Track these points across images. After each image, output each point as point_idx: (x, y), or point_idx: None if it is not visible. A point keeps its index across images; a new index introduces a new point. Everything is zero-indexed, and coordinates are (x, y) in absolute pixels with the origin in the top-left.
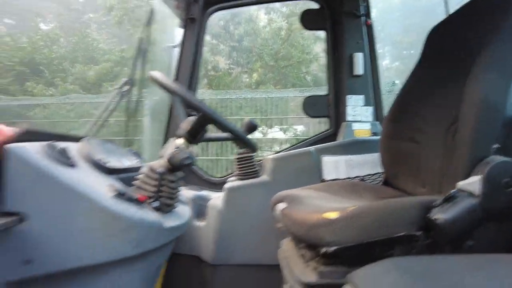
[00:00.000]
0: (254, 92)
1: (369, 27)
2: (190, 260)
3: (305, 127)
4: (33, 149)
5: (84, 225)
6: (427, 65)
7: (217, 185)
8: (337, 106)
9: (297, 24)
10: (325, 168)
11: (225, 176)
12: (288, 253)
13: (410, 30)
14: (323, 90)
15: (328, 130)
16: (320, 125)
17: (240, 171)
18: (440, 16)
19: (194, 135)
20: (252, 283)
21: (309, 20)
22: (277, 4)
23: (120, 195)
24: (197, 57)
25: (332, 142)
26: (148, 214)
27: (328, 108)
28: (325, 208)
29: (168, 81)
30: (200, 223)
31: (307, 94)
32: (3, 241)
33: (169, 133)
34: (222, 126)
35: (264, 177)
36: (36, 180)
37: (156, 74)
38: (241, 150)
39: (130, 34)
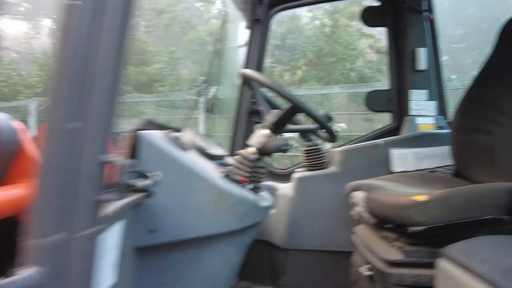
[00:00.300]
0: (300, 89)
1: (432, 22)
2: (262, 244)
3: (346, 125)
4: (157, 136)
5: (199, 200)
6: (504, 57)
7: (280, 177)
8: (400, 100)
9: (342, 21)
10: (394, 161)
11: (287, 169)
12: (366, 237)
13: (461, 23)
14: (368, 87)
15: (390, 124)
16: (362, 123)
17: (308, 162)
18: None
19: (280, 126)
20: (322, 267)
21: (370, 17)
22: None
23: (227, 176)
24: (262, 56)
25: (398, 136)
26: (249, 194)
27: (391, 102)
28: (412, 192)
29: (261, 76)
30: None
31: (353, 91)
32: (134, 213)
33: (238, 127)
34: (311, 116)
35: (333, 169)
36: (161, 160)
37: (248, 71)
38: (309, 143)
39: (179, 36)
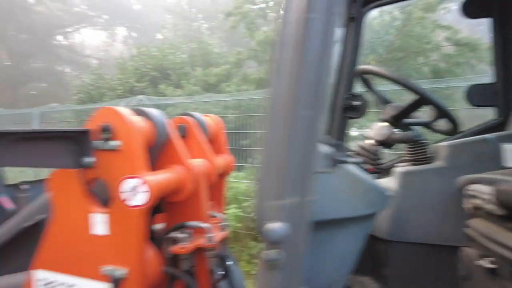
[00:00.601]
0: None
1: None
2: None
3: None
4: None
5: (338, 185)
6: None
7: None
8: (507, 95)
9: (417, 13)
10: (506, 156)
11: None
12: (489, 229)
13: None
14: (443, 82)
15: (494, 119)
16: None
17: (413, 157)
18: None
19: (401, 119)
20: (425, 260)
21: (472, 8)
22: None
23: (357, 164)
24: (357, 54)
25: (510, 131)
26: (379, 182)
27: (496, 96)
28: None
29: (386, 71)
30: None
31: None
32: None
33: (333, 122)
34: (440, 108)
35: (439, 163)
36: None
37: (370, 67)
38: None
39: (245, 37)
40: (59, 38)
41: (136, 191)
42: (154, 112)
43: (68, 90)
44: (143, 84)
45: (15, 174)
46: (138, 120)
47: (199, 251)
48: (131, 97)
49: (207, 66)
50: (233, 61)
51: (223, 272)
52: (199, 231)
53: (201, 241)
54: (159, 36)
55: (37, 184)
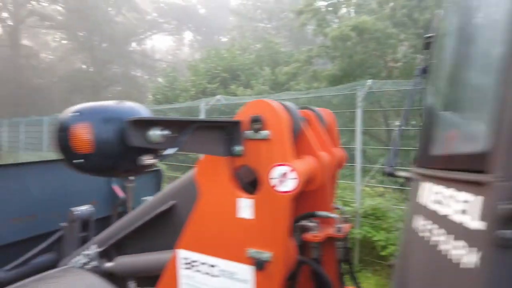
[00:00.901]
0: None
1: None
2: None
3: None
4: None
5: None
6: None
7: None
8: None
9: None
10: None
11: None
12: None
13: None
14: None
15: None
16: None
17: None
18: None
19: None
20: None
21: None
22: None
23: None
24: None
25: None
26: None
27: None
28: None
29: None
30: None
31: None
32: None
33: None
34: None
35: None
36: None
37: None
38: None
39: (315, 33)
40: (133, 44)
41: (286, 178)
42: (290, 105)
43: (141, 92)
44: (214, 85)
45: None
46: (285, 112)
47: (328, 241)
48: (204, 97)
49: (275, 66)
50: (303, 58)
51: (349, 264)
52: (328, 221)
53: (330, 231)
54: (223, 39)
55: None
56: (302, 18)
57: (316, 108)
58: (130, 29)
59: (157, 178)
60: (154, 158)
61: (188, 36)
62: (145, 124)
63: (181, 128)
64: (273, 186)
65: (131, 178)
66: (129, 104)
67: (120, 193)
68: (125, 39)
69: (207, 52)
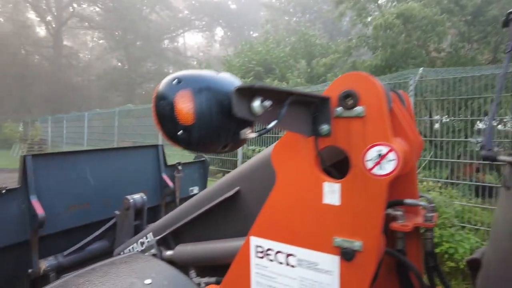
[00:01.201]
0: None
1: None
2: None
3: None
4: None
5: None
6: None
7: None
8: None
9: None
10: None
11: None
12: None
13: None
14: None
15: None
16: None
17: None
18: None
19: None
20: None
21: None
22: None
23: None
24: None
25: None
26: None
27: None
28: None
29: None
30: None
31: None
32: None
33: None
34: None
35: None
36: None
37: None
38: None
39: (353, 24)
40: (166, 42)
41: (384, 159)
42: (380, 82)
43: None
44: (249, 79)
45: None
46: (381, 85)
47: (415, 231)
48: None
49: (310, 58)
50: (342, 49)
51: (433, 257)
52: (413, 209)
53: (419, 220)
54: (254, 34)
55: (187, 165)
56: (342, 8)
57: (398, 90)
58: (163, 26)
59: (204, 168)
60: (254, 132)
61: (219, 32)
62: (250, 93)
63: (280, 100)
64: (369, 169)
65: (180, 167)
66: (227, 74)
67: (169, 183)
68: (158, 37)
69: (241, 46)
